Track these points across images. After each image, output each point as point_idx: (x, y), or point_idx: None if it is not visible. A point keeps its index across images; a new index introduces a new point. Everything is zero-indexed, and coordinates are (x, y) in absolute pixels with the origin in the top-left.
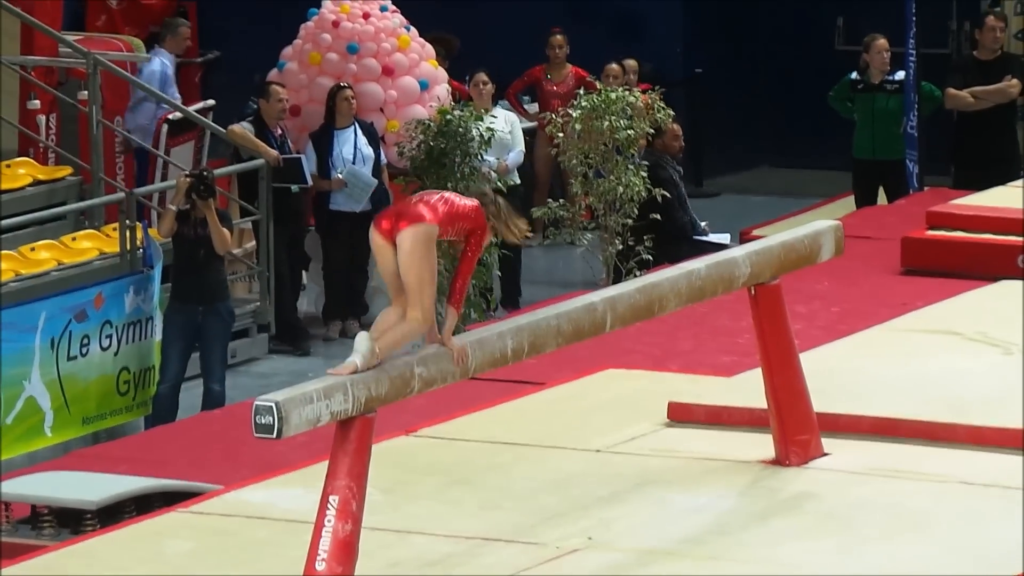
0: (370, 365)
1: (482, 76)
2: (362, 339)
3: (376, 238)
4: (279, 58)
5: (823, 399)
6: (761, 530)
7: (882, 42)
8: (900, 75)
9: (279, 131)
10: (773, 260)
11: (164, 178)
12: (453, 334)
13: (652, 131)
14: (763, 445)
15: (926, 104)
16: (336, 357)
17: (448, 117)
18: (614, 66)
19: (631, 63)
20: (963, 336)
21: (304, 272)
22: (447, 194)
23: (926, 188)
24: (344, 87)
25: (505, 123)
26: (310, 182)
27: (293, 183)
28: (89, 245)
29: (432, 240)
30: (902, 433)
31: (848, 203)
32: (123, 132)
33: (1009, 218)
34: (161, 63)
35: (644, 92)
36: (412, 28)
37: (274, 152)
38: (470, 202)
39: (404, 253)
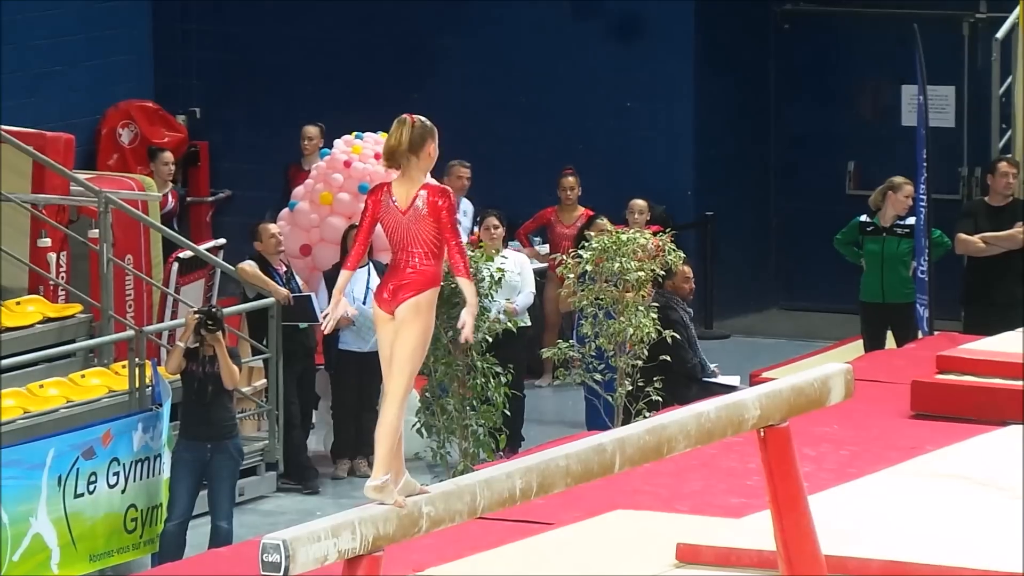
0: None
1: (492, 220)
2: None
3: (376, 311)
4: (291, 197)
5: (832, 542)
6: None
7: (911, 188)
8: (911, 220)
9: (283, 267)
10: (783, 403)
11: (174, 316)
12: None
13: (663, 273)
14: None
15: (936, 251)
16: (344, 496)
17: None
18: (639, 201)
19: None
20: (972, 480)
21: (313, 410)
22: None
23: (936, 332)
24: None
25: (515, 265)
26: (321, 320)
27: (303, 321)
28: (98, 382)
29: (433, 303)
30: None
31: (859, 346)
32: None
33: (1018, 363)
34: None
35: (655, 234)
36: None
37: (284, 290)
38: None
39: (405, 324)
